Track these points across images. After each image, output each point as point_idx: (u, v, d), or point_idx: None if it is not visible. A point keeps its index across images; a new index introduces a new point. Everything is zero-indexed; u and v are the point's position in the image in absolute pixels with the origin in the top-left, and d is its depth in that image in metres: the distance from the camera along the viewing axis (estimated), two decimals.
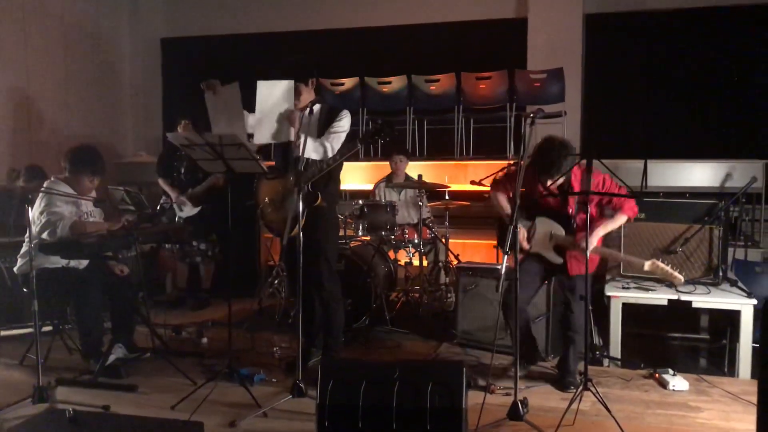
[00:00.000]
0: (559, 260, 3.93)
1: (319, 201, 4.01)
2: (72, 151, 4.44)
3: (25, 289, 4.34)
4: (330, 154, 3.97)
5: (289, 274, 4.58)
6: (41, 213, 4.21)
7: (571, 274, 3.94)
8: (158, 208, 5.75)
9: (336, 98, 7.44)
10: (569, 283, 4.00)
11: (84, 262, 4.43)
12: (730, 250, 4.94)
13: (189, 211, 5.69)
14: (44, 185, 4.29)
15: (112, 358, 4.32)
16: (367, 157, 7.39)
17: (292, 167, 4.01)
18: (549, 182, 3.82)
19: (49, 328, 4.65)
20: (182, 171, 5.77)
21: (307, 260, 3.85)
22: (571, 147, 3.83)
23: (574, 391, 3.72)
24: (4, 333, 4.77)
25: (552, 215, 3.97)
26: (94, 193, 4.54)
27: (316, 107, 4.09)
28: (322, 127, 4.08)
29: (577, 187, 3.80)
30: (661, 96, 7.32)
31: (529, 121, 3.57)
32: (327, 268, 4.20)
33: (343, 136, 4.04)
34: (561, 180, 3.81)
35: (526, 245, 3.98)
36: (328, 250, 4.22)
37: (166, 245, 5.75)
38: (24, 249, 4.32)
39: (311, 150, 3.92)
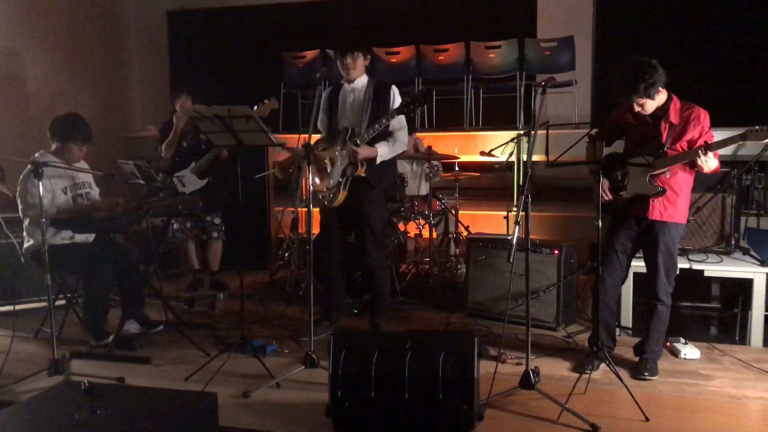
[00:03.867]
0: (658, 189, 3.63)
1: (359, 170, 4.12)
2: (58, 120, 4.37)
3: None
4: (402, 148, 4.32)
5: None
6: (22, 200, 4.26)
7: (658, 218, 3.68)
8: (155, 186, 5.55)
9: None
10: (657, 233, 3.72)
11: (92, 237, 4.46)
12: (743, 218, 4.91)
13: (193, 185, 5.61)
14: (32, 159, 4.11)
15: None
16: None
17: (341, 138, 4.16)
18: (636, 108, 3.59)
19: (63, 302, 4.70)
20: (184, 145, 5.67)
21: (352, 229, 4.10)
22: (652, 66, 3.51)
23: (648, 379, 3.73)
24: (19, 307, 4.80)
25: (642, 144, 3.71)
26: (82, 163, 4.51)
27: (363, 81, 4.29)
28: (371, 104, 4.20)
29: (674, 118, 3.62)
30: (673, 62, 7.18)
31: (540, 89, 3.52)
32: (371, 236, 4.28)
33: (402, 119, 4.22)
34: (652, 107, 3.61)
35: (607, 196, 3.73)
36: (372, 219, 4.30)
37: (175, 225, 5.65)
38: (26, 224, 4.32)
39: (383, 154, 4.20)
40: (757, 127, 3.42)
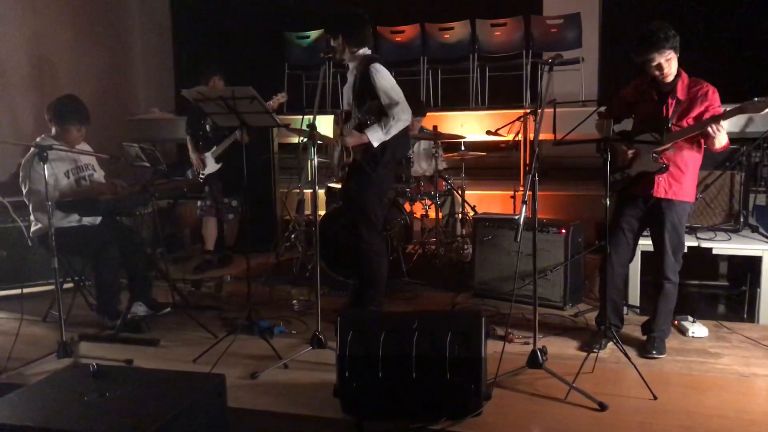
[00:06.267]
0: (661, 165, 3.61)
1: (349, 157, 4.01)
2: (55, 103, 4.36)
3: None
4: (401, 125, 3.97)
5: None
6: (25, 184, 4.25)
7: (663, 196, 3.67)
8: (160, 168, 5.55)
9: None
10: (663, 211, 3.69)
11: (98, 219, 4.46)
12: (751, 195, 4.88)
13: (211, 168, 5.72)
14: (35, 142, 4.16)
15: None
16: None
17: (339, 121, 4.11)
18: (655, 72, 3.56)
19: (71, 285, 4.71)
20: (208, 129, 5.74)
21: (348, 213, 4.09)
22: (671, 29, 3.54)
23: (656, 357, 3.73)
24: (27, 290, 4.82)
25: (648, 121, 3.68)
26: (85, 145, 4.50)
27: (358, 60, 4.09)
28: (358, 86, 4.02)
29: (681, 94, 3.60)
30: (680, 39, 7.12)
31: (546, 67, 3.48)
32: (364, 221, 4.14)
33: (395, 95, 3.94)
34: (672, 69, 3.57)
35: (630, 153, 3.71)
36: (365, 203, 4.14)
37: (198, 202, 5.86)
38: (30, 208, 4.32)
39: (377, 138, 3.94)
40: (756, 98, 3.37)
